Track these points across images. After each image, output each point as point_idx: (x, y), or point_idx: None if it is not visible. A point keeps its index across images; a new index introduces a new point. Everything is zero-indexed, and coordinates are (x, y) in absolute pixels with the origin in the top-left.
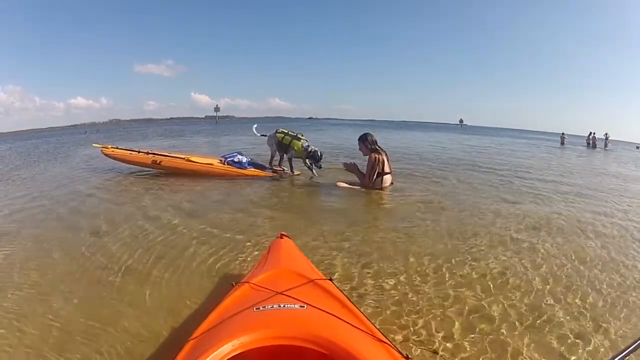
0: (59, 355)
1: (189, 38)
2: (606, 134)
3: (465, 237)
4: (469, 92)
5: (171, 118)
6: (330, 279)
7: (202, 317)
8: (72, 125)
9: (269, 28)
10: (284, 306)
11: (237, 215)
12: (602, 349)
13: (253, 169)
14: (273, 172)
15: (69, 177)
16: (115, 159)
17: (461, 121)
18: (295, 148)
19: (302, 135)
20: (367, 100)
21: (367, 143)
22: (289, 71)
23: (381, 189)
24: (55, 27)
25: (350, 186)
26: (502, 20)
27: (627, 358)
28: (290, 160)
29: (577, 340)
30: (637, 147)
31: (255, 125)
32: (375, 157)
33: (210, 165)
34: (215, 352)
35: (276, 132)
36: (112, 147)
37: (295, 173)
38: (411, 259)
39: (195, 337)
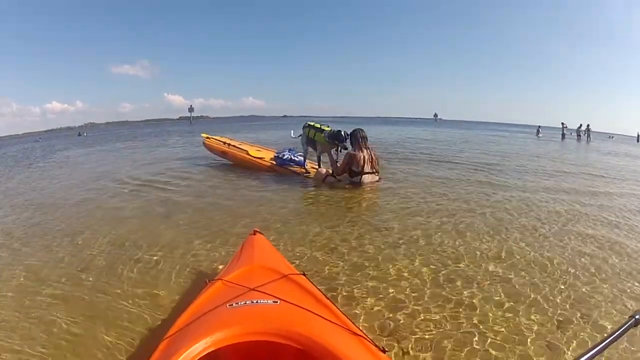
0: None
1: (165, 38)
2: (587, 125)
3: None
4: (444, 87)
5: (146, 120)
6: (304, 274)
7: (176, 316)
8: (47, 130)
9: (244, 27)
10: (257, 302)
11: (226, 211)
12: None
13: (280, 167)
14: (305, 171)
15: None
16: (207, 148)
17: (436, 115)
18: (321, 141)
19: (328, 127)
20: (341, 98)
21: (352, 139)
22: (265, 71)
23: (360, 184)
24: (30, 29)
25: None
26: (477, 14)
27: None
28: (318, 158)
29: None
30: (610, 137)
31: (293, 130)
32: (352, 155)
33: (260, 160)
34: (189, 350)
35: (303, 127)
36: (212, 138)
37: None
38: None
39: (169, 336)
